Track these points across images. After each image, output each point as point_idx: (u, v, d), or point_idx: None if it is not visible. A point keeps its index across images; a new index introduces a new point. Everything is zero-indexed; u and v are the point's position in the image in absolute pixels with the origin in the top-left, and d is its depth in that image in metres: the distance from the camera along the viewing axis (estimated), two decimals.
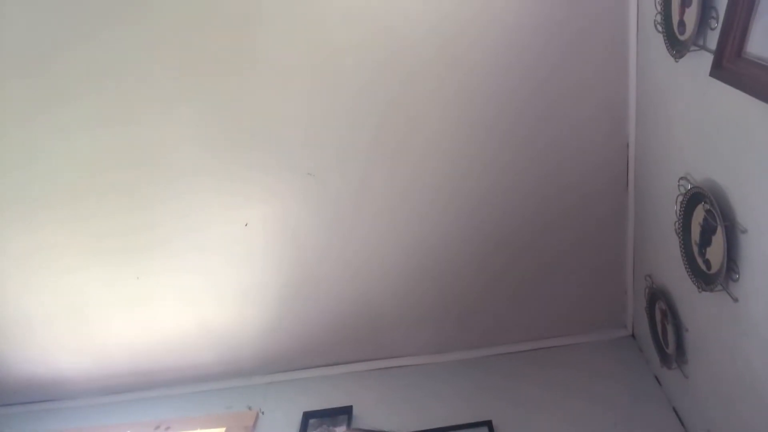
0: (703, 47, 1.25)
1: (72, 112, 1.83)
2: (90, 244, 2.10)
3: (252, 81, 1.78)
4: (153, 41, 1.72)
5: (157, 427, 2.42)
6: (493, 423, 1.98)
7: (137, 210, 2.02)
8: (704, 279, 1.37)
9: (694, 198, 1.37)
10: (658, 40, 1.48)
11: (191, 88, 1.80)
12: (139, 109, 1.83)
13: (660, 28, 1.45)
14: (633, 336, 2.23)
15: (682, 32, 1.33)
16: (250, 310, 2.27)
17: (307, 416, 2.24)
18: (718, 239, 1.25)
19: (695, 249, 1.41)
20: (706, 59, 1.21)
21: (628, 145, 1.86)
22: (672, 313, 1.70)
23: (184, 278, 2.19)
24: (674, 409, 1.88)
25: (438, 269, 2.13)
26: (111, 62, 1.75)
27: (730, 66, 1.11)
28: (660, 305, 1.79)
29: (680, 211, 1.43)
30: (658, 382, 1.99)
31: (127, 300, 2.23)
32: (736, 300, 1.27)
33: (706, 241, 1.33)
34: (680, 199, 1.43)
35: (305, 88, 1.79)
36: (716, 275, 1.29)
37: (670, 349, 1.75)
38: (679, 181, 1.48)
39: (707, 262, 1.35)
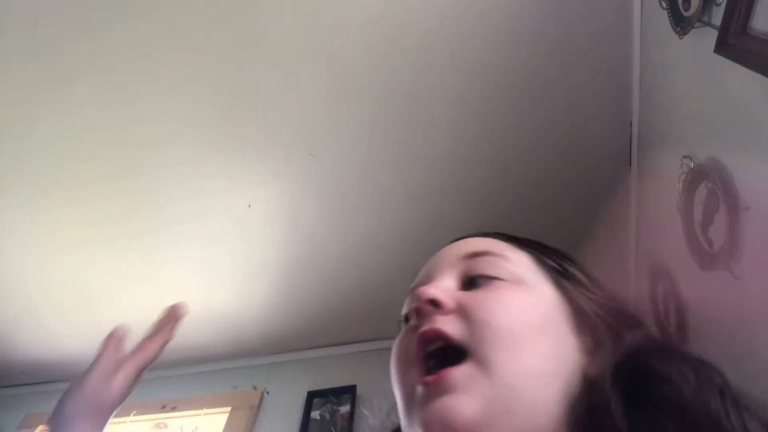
0: (708, 24, 1.23)
1: (74, 96, 1.83)
2: (95, 227, 2.11)
3: (254, 61, 1.76)
4: (154, 22, 1.71)
5: (163, 407, 2.45)
6: None
7: (141, 192, 2.03)
8: (706, 258, 1.36)
9: (697, 176, 1.36)
10: (662, 17, 1.46)
11: (194, 68, 1.78)
12: (142, 91, 1.82)
13: (664, 5, 1.43)
14: None
15: (687, 8, 1.31)
16: (254, 291, 2.29)
17: (312, 395, 2.27)
18: (721, 218, 1.25)
19: (698, 228, 1.40)
20: (711, 36, 1.20)
21: (631, 123, 1.85)
22: (674, 293, 1.70)
23: (189, 259, 2.20)
24: None
25: (440, 245, 2.13)
26: (114, 44, 1.73)
27: (735, 42, 1.10)
28: (662, 284, 1.79)
29: (683, 189, 1.42)
30: None
31: (131, 281, 2.25)
32: (738, 278, 1.26)
33: (708, 219, 1.33)
34: (683, 177, 1.42)
35: (306, 68, 1.77)
36: (718, 254, 1.29)
37: (672, 329, 1.75)
38: (682, 160, 1.47)
39: (709, 241, 1.34)
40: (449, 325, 0.48)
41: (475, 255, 0.54)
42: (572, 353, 0.48)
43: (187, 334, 2.42)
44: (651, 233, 1.91)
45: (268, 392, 2.35)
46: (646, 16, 1.63)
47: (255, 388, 2.39)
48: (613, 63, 1.76)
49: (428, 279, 0.56)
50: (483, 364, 0.45)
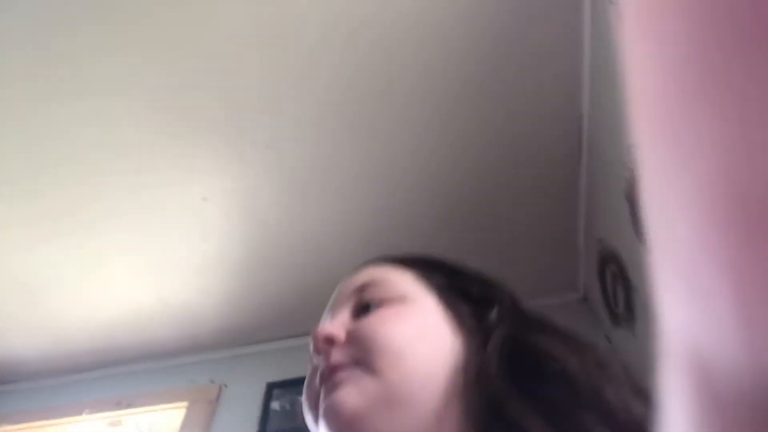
0: None
1: (17, 89, 1.76)
2: (42, 220, 2.04)
3: (211, 52, 1.73)
4: (105, 23, 1.66)
5: (118, 404, 2.41)
6: None
7: (91, 184, 1.98)
8: None
9: None
10: (611, 11, 1.52)
11: (149, 60, 1.74)
12: (89, 82, 1.77)
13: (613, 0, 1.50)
14: (585, 299, 2.33)
15: None
16: (211, 283, 2.27)
17: (272, 387, 2.27)
18: None
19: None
20: None
21: (582, 116, 1.92)
22: (622, 275, 1.79)
23: (142, 253, 2.16)
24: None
25: (399, 234, 2.16)
26: (60, 42, 1.68)
27: None
28: (611, 268, 1.88)
29: (631, 177, 1.50)
30: (609, 341, 2.09)
31: (82, 276, 2.20)
32: None
33: None
34: (631, 164, 1.50)
35: (265, 60, 1.75)
36: None
37: (620, 309, 1.84)
38: (630, 149, 1.54)
39: None
40: (341, 355, 0.54)
41: (363, 286, 0.61)
42: (454, 352, 0.53)
43: (142, 329, 2.39)
44: (600, 220, 2.00)
45: (226, 386, 2.34)
46: (596, 11, 1.69)
47: (213, 381, 2.37)
48: (563, 57, 1.82)
49: (326, 318, 0.62)
50: (368, 368, 0.51)
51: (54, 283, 2.21)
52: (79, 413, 2.40)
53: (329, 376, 0.52)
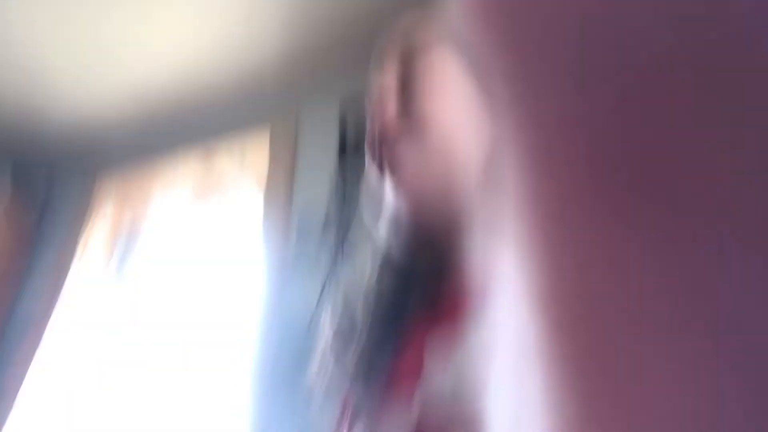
0: None
1: None
2: None
3: None
4: None
5: (204, 150, 2.53)
6: None
7: None
8: None
9: None
10: None
11: None
12: None
13: None
14: None
15: None
16: (271, 14, 2.18)
17: (345, 104, 2.33)
18: None
19: None
20: None
21: None
22: None
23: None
24: None
25: None
26: None
27: None
28: None
29: None
30: None
31: (143, 31, 2.15)
32: None
33: None
34: None
35: None
36: None
37: None
38: None
39: None
40: (395, 129, 0.56)
41: (407, 53, 0.60)
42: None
43: (210, 73, 2.36)
44: None
45: (301, 110, 2.40)
46: None
47: (289, 110, 2.42)
48: None
49: (378, 90, 0.61)
50: (421, 147, 0.54)
51: (125, 42, 2.17)
52: (169, 166, 2.54)
53: (387, 144, 0.56)
